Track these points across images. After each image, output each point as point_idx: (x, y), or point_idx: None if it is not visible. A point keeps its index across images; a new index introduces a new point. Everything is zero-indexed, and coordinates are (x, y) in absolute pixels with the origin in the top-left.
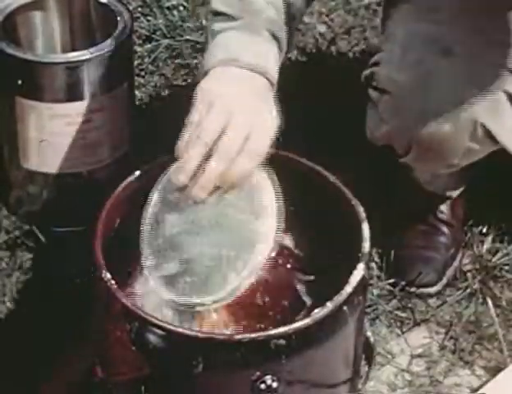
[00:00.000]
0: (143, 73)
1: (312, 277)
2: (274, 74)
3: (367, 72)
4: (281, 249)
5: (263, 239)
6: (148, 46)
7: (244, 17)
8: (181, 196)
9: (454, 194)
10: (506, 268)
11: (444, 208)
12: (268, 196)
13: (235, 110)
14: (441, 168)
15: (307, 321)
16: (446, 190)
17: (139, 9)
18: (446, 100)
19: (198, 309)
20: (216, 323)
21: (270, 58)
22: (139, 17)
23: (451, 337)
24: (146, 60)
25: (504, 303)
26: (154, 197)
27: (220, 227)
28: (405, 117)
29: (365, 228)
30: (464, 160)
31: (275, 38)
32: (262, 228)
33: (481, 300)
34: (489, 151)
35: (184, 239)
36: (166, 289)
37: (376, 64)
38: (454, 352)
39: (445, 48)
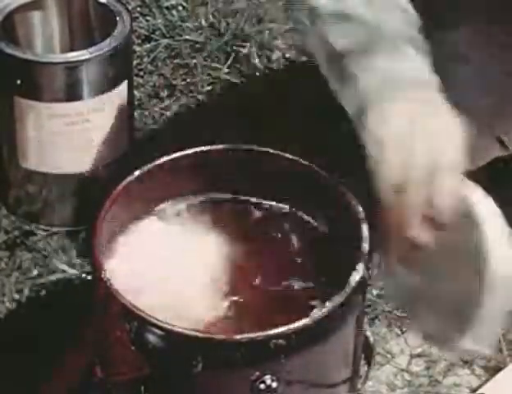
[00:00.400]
0: (142, 73)
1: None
2: (434, 79)
3: None
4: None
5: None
6: (147, 46)
7: (379, 42)
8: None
9: None
10: None
11: None
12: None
13: (418, 139)
14: None
15: (306, 321)
16: None
17: (138, 9)
18: (465, 108)
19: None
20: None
21: (424, 67)
22: (138, 17)
23: None
24: (145, 60)
25: None
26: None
27: (452, 262)
28: None
29: (364, 228)
30: (474, 164)
31: (418, 48)
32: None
33: None
34: (497, 155)
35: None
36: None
37: None
38: None
39: (463, 56)
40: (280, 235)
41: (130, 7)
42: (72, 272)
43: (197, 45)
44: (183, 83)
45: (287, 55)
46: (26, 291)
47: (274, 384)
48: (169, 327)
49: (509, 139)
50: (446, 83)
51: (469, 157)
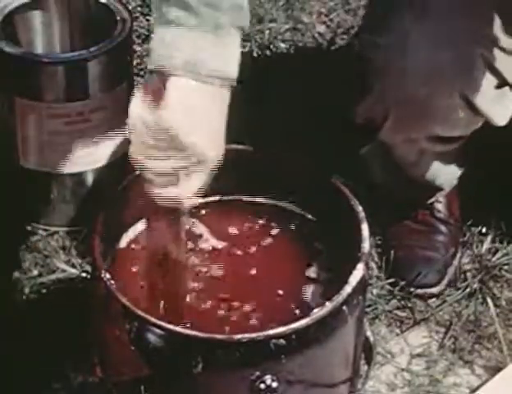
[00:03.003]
0: (142, 72)
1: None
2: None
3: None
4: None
5: None
6: (148, 45)
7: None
8: None
9: (446, 185)
10: (506, 267)
11: (440, 206)
12: None
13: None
14: (422, 140)
15: (306, 321)
16: (435, 176)
17: (139, 8)
18: (423, 65)
19: None
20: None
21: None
22: (138, 17)
23: (451, 337)
24: (145, 59)
25: (503, 302)
26: None
27: None
28: (385, 80)
29: (365, 228)
30: (446, 129)
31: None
32: None
33: (480, 300)
34: (471, 124)
35: None
36: None
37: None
38: (453, 351)
39: (421, 11)
40: (280, 234)
41: (130, 7)
42: (72, 271)
43: None
44: None
45: (287, 55)
46: (26, 291)
47: (274, 384)
48: (169, 326)
49: (473, 95)
50: (403, 39)
51: (441, 117)
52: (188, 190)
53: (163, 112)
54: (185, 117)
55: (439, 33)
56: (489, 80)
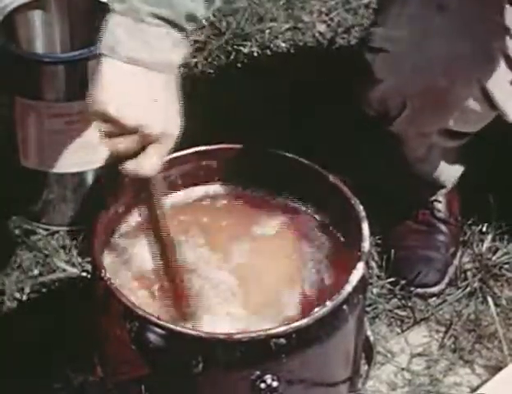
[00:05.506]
0: None
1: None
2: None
3: (364, 36)
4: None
5: None
6: None
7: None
8: None
9: (448, 183)
10: (506, 266)
11: (440, 206)
12: None
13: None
14: (434, 134)
15: (307, 320)
16: (439, 173)
17: None
18: (442, 55)
19: None
20: None
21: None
22: None
23: (451, 336)
24: None
25: (504, 301)
26: None
27: None
28: (401, 73)
29: (365, 227)
30: (459, 123)
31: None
32: None
33: (481, 299)
34: (485, 119)
35: None
36: None
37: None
38: (454, 351)
39: (440, 4)
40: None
41: None
42: (73, 271)
43: (197, 44)
44: (183, 82)
45: (288, 54)
46: (27, 290)
47: (275, 383)
48: (169, 326)
49: (492, 88)
50: (421, 31)
51: (457, 110)
52: (144, 166)
53: (96, 93)
54: (115, 98)
55: (457, 23)
56: (506, 75)
